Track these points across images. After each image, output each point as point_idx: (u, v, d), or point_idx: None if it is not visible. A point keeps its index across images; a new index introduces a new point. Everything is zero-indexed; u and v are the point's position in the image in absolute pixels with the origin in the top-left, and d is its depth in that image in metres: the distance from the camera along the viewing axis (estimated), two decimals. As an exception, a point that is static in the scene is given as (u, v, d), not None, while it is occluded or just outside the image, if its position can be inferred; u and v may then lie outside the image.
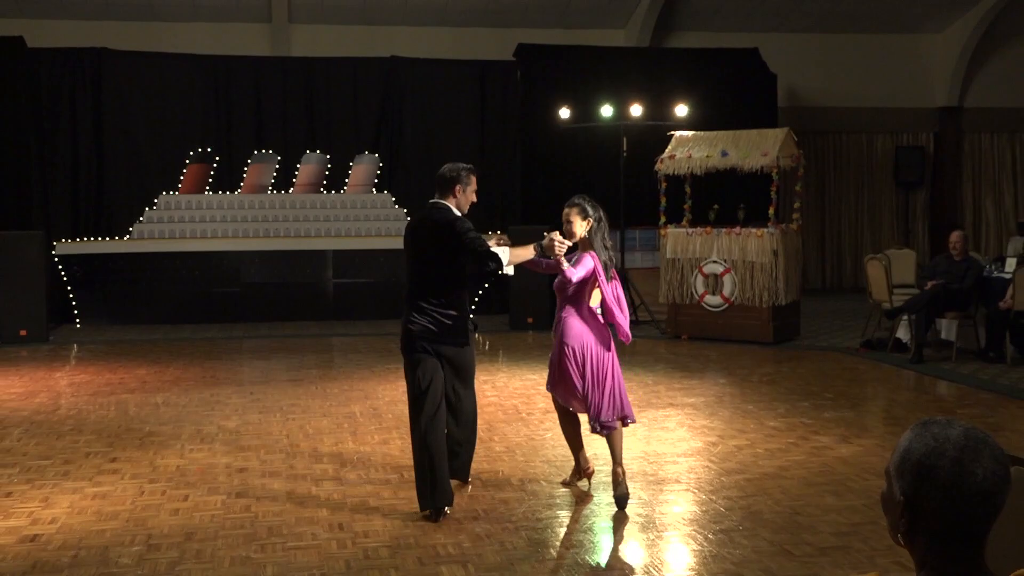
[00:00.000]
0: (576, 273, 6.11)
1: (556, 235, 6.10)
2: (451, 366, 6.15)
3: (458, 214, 6.10)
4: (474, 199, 6.28)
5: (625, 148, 14.86)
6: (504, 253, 6.01)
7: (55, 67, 15.99)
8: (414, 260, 6.10)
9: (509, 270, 6.12)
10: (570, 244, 6.16)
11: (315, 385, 10.37)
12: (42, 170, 15.96)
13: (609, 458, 6.48)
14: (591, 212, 6.28)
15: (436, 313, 6.00)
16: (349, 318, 15.51)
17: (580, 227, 6.26)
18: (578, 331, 6.29)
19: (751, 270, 12.82)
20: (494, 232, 7.08)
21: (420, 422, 6.01)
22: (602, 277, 6.22)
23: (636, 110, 14.80)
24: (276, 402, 9.49)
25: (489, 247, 5.94)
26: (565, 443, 6.92)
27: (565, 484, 6.69)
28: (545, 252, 6.16)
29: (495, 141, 17.37)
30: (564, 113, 15.41)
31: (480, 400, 9.36)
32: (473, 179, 6.25)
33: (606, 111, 14.95)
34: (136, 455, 7.55)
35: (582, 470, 6.67)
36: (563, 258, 6.15)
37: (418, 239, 6.09)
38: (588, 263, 6.18)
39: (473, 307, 15.29)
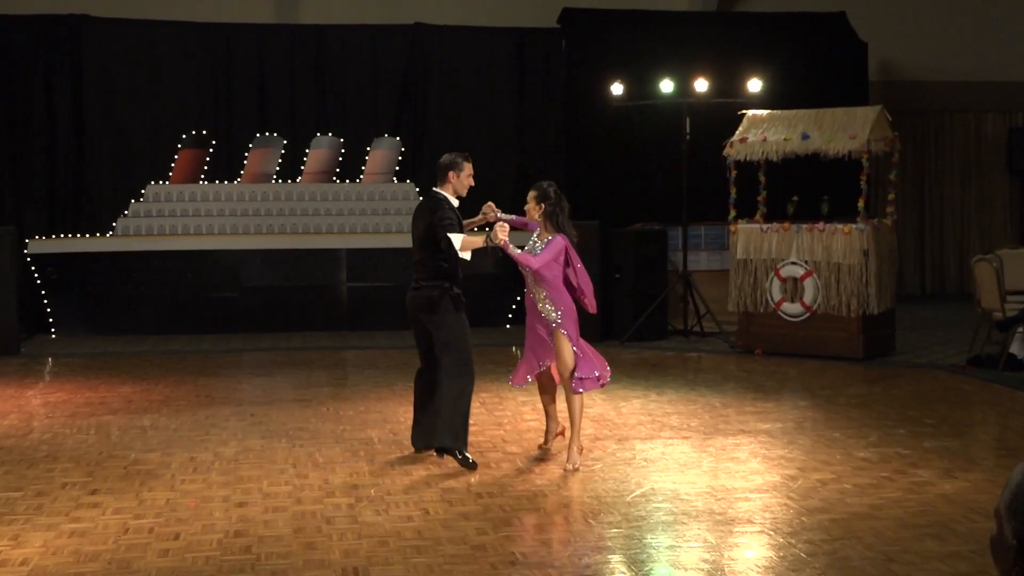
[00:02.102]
0: (540, 257, 7.86)
1: (491, 208, 8.19)
2: (432, 335, 8.11)
3: (452, 202, 8.08)
4: (471, 183, 8.21)
5: (688, 130, 14.82)
6: (457, 239, 7.79)
7: (26, 37, 16.13)
8: (413, 240, 8.21)
9: (465, 255, 7.87)
10: (504, 236, 7.61)
11: (326, 406, 10.42)
12: (12, 157, 16.13)
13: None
14: (550, 197, 8.02)
15: (426, 287, 8.03)
16: (365, 328, 15.57)
17: (533, 208, 8.05)
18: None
19: (837, 273, 12.74)
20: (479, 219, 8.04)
21: (459, 370, 8.02)
22: (574, 254, 7.95)
23: (701, 85, 14.75)
24: (281, 425, 9.54)
25: (447, 233, 7.80)
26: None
27: (541, 448, 8.43)
28: (491, 240, 7.64)
29: (535, 122, 17.38)
30: (616, 89, 15.39)
31: (518, 424, 9.41)
32: (467, 165, 8.19)
33: (666, 86, 14.91)
34: (119, 486, 7.61)
35: (555, 432, 8.50)
36: (511, 247, 7.72)
37: (415, 222, 8.18)
38: (557, 244, 7.91)
39: (509, 316, 15.45)
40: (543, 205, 8.08)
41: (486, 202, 8.46)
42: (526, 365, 8.40)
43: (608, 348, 14.01)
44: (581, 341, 8.13)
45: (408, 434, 8.68)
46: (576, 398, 8.05)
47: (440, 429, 8.05)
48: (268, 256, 15.59)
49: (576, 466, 7.95)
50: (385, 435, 9.14)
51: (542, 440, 8.61)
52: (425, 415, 8.33)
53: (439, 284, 8.01)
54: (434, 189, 8.21)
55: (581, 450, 8.14)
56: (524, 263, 7.89)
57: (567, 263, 8.01)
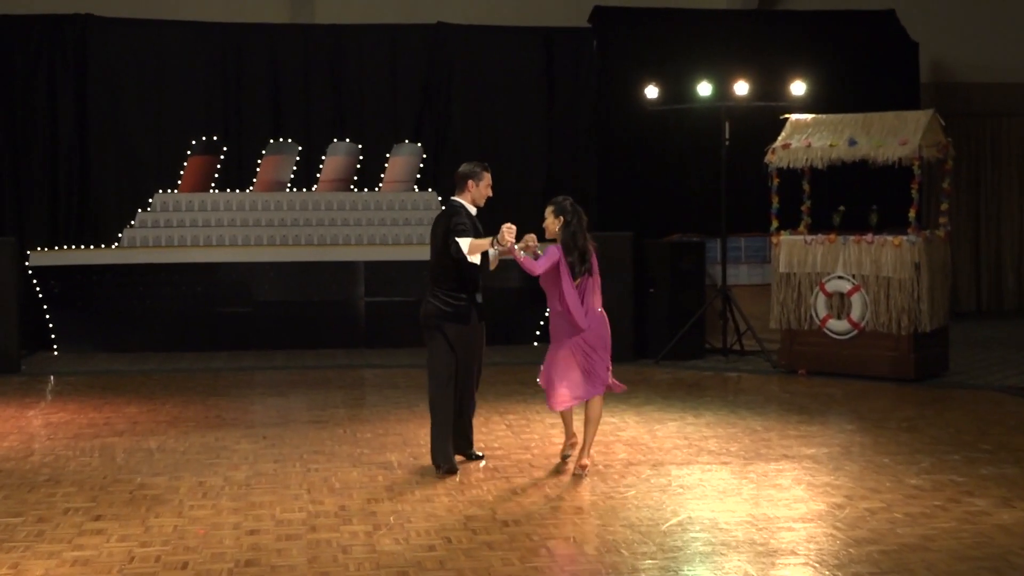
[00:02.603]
0: (538, 263, 8.41)
1: (507, 226, 8.25)
2: (456, 344, 8.66)
3: (470, 210, 8.70)
4: (489, 193, 8.81)
5: (727, 135, 14.79)
6: (465, 243, 8.37)
7: (28, 38, 16.27)
8: (432, 250, 8.77)
9: (475, 259, 8.44)
10: (510, 242, 8.26)
11: (343, 428, 10.43)
12: (14, 164, 16.25)
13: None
14: (567, 211, 8.62)
15: (445, 296, 8.63)
16: (385, 345, 15.58)
17: (552, 224, 8.62)
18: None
19: (886, 288, 12.68)
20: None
21: (432, 388, 8.70)
22: (564, 268, 8.46)
23: (741, 88, 14.72)
24: (295, 449, 9.56)
25: (459, 239, 8.39)
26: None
27: (564, 458, 8.96)
28: (498, 242, 8.27)
29: (565, 128, 17.39)
30: (651, 92, 15.37)
31: (545, 447, 9.40)
32: (486, 175, 8.77)
33: (703, 89, 14.89)
34: (125, 512, 7.64)
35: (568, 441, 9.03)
36: (517, 250, 8.33)
37: (434, 231, 8.72)
38: (551, 253, 8.47)
39: (537, 333, 15.43)
40: (561, 218, 8.62)
41: (505, 222, 8.36)
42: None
43: (642, 368, 14.00)
44: (559, 360, 8.67)
45: (428, 457, 8.73)
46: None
47: (468, 431, 9.11)
48: (282, 269, 15.63)
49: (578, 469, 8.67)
50: (405, 459, 9.14)
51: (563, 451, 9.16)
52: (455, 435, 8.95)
53: (466, 293, 8.67)
54: (452, 198, 8.85)
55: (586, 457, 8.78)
56: (528, 269, 8.46)
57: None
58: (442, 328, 8.63)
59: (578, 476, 8.53)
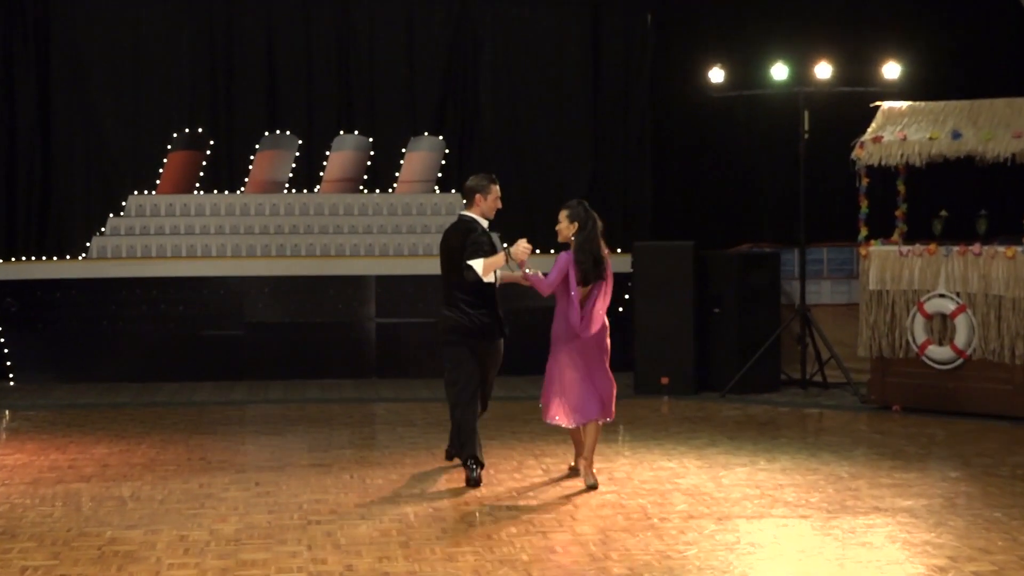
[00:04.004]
0: (548, 280, 9.59)
1: (525, 245, 9.46)
2: (481, 358, 9.93)
3: (482, 224, 9.86)
4: (498, 206, 10.06)
5: (807, 126, 14.76)
6: (478, 264, 9.47)
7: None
8: (446, 265, 9.96)
9: (489, 278, 9.62)
10: (524, 259, 9.56)
11: (349, 473, 10.44)
12: (-35, 161, 16.42)
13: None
14: (582, 215, 9.67)
15: (468, 310, 9.78)
16: (400, 375, 15.60)
17: (566, 229, 9.69)
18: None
19: (998, 308, 12.61)
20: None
21: (452, 398, 9.95)
22: (572, 273, 9.52)
23: (823, 70, 14.70)
24: (293, 497, 9.57)
25: (471, 262, 9.51)
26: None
27: (572, 469, 10.17)
28: (513, 258, 9.50)
29: (614, 118, 17.40)
30: (715, 75, 15.36)
31: (593, 498, 9.37)
32: (494, 188, 9.99)
33: (778, 72, 14.87)
34: (92, 572, 7.65)
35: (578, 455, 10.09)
36: (528, 270, 9.59)
37: (445, 243, 9.99)
38: (559, 264, 9.57)
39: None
40: (576, 224, 9.69)
41: (524, 237, 9.78)
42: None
43: (705, 403, 13.96)
44: (562, 370, 9.85)
45: (454, 513, 8.73)
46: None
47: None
48: (279, 285, 15.69)
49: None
50: (423, 510, 9.13)
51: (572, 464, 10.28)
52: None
53: (490, 308, 9.88)
54: (461, 212, 10.11)
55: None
56: (540, 289, 9.72)
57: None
58: (468, 343, 9.85)
59: (592, 488, 9.67)
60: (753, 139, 17.18)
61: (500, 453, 11.09)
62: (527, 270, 9.71)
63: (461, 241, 9.74)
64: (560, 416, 9.82)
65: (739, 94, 15.39)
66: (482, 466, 9.95)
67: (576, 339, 9.75)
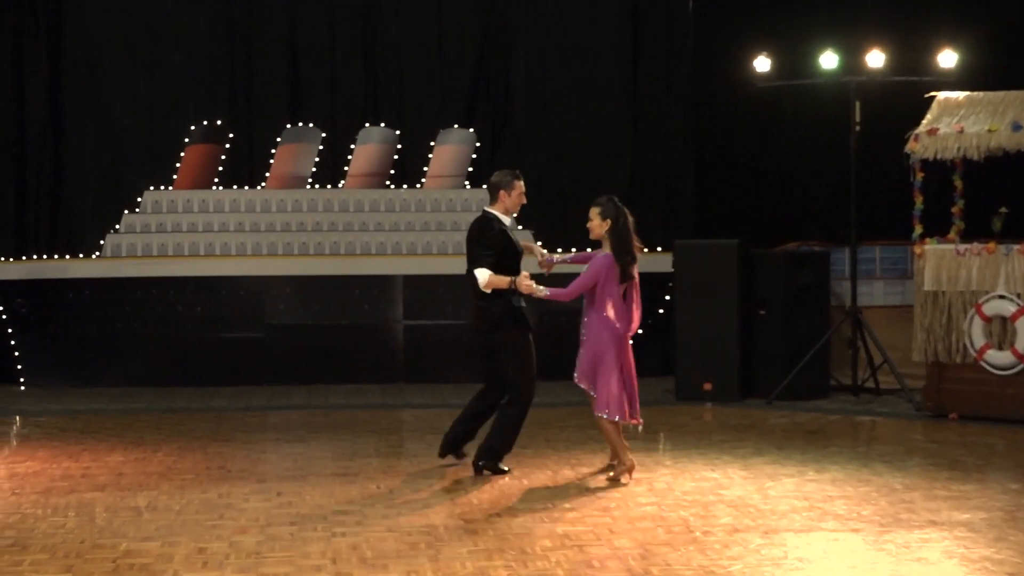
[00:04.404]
0: (579, 282, 10.09)
1: (525, 278, 10.10)
2: (491, 352, 10.57)
3: (504, 221, 10.48)
4: (522, 201, 10.63)
5: (858, 118, 14.72)
6: (482, 276, 10.19)
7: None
8: (467, 261, 10.59)
9: (489, 290, 10.24)
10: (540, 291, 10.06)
11: (376, 483, 10.44)
12: (-29, 155, 16.51)
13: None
14: (614, 211, 10.10)
15: (482, 306, 10.38)
16: (427, 380, 15.61)
17: (599, 227, 10.15)
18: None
19: (1061, 310, 12.58)
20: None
21: (525, 392, 10.53)
22: (611, 277, 10.00)
23: (875, 59, 14.65)
24: (317, 508, 9.57)
25: (477, 272, 10.26)
26: None
27: (611, 479, 10.35)
28: (517, 289, 10.14)
29: (654, 109, 17.38)
30: (761, 64, 15.33)
31: (629, 510, 9.35)
32: (518, 183, 10.53)
33: (828, 61, 14.83)
34: (107, 585, 7.68)
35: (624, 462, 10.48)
36: (540, 291, 9.99)
37: (468, 243, 10.57)
38: (593, 265, 10.09)
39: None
40: (609, 221, 10.12)
41: (542, 252, 10.93)
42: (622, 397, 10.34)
43: (750, 410, 13.93)
44: (617, 370, 10.25)
45: (485, 525, 8.71)
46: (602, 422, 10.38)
47: (483, 447, 10.69)
48: (301, 285, 15.72)
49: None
50: (453, 522, 9.13)
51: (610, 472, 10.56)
52: (463, 427, 11.06)
53: (502, 304, 10.35)
54: (485, 208, 10.67)
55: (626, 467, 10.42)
56: (560, 299, 10.20)
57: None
58: (480, 339, 10.59)
59: (622, 484, 10.21)
60: (801, 131, 17.11)
61: (534, 462, 11.09)
62: (542, 295, 10.07)
63: (475, 238, 10.44)
64: (622, 414, 10.22)
65: (786, 84, 15.37)
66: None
67: (620, 339, 10.18)
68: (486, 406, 10.90)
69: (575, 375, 10.52)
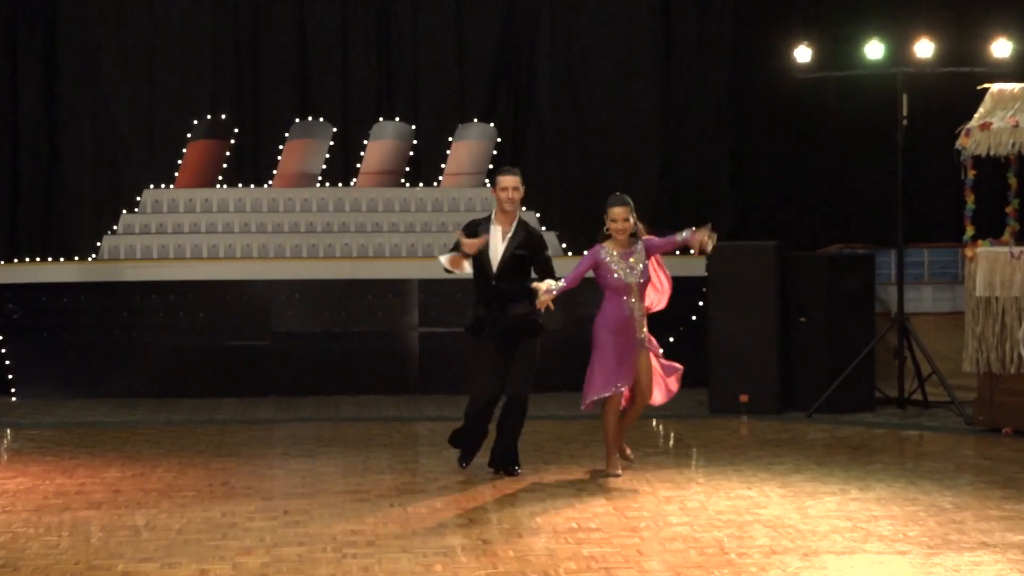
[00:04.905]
0: (571, 279, 10.63)
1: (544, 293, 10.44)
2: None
3: (488, 225, 10.82)
4: (509, 196, 10.76)
5: (905, 112, 14.69)
6: (445, 259, 10.84)
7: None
8: None
9: (456, 273, 10.95)
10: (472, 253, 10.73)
11: (389, 501, 10.44)
12: (-38, 152, 16.57)
13: None
14: (630, 202, 10.78)
15: (523, 311, 10.90)
16: (444, 391, 15.59)
17: (632, 223, 10.70)
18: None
19: (1123, 318, 12.55)
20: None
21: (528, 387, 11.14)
22: (602, 269, 10.72)
23: (924, 48, 14.62)
24: (326, 527, 9.58)
25: (441, 257, 11.01)
26: None
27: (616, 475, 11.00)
28: (461, 249, 10.58)
29: (687, 101, 17.38)
30: (802, 54, 15.30)
31: (660, 531, 9.34)
32: (500, 178, 10.88)
33: (873, 51, 14.80)
34: (102, 609, 7.70)
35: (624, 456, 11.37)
36: (555, 291, 10.43)
37: None
38: (584, 260, 10.87)
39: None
40: (632, 219, 10.71)
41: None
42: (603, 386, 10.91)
43: (789, 423, 13.91)
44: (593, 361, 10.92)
45: (506, 546, 8.71)
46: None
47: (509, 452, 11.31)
48: (310, 289, 15.74)
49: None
50: (472, 543, 9.13)
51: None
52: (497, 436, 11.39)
53: (474, 310, 11.21)
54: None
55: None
56: (565, 290, 10.60)
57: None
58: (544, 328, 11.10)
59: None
60: (844, 126, 17.08)
61: (558, 479, 11.08)
62: (559, 292, 10.50)
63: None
64: (594, 392, 10.88)
65: (828, 75, 15.34)
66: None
67: (607, 331, 10.86)
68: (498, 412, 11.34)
69: None
